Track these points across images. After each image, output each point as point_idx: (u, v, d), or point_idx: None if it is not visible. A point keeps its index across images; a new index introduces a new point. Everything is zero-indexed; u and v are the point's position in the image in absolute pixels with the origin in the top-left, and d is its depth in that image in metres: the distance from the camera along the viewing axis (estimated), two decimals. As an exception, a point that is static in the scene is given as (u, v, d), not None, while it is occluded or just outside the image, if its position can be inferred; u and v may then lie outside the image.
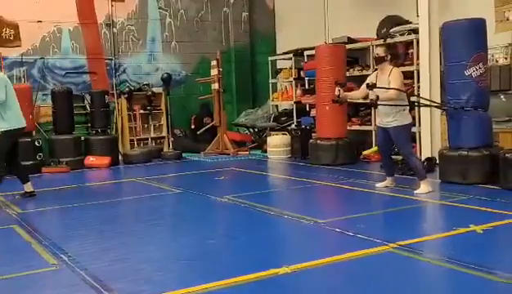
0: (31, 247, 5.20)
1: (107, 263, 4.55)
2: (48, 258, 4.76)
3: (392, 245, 4.66)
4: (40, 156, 10.83)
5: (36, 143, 10.80)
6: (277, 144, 11.72)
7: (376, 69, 7.48)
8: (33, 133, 11.19)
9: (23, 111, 10.81)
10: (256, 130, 13.59)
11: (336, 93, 7.37)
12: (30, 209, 7.11)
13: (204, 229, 5.73)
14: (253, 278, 3.99)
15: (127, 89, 12.83)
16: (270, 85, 13.73)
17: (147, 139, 13.01)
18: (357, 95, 7.71)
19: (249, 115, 13.71)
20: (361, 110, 11.27)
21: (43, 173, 10.56)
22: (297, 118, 12.33)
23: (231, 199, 7.17)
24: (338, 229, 5.34)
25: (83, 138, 11.67)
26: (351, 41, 11.24)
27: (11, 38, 11.65)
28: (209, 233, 5.58)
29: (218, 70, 12.63)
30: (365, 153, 10.49)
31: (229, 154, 12.23)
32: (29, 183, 7.87)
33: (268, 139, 12.07)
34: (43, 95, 12.15)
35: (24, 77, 12.01)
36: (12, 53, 11.84)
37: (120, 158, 11.96)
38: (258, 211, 6.46)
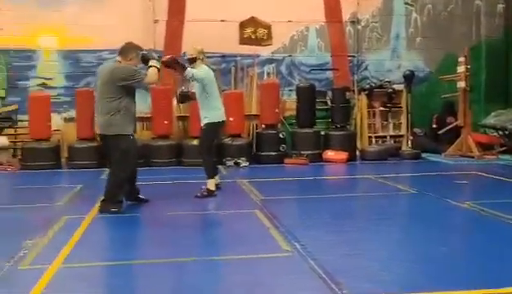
0: (268, 231, 5.56)
1: (336, 256, 4.64)
2: (283, 244, 5.04)
3: None
4: (283, 148, 11.52)
5: (280, 135, 11.52)
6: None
7: None
8: (278, 126, 11.96)
9: (270, 105, 11.72)
10: (507, 132, 12.40)
11: None
12: (271, 196, 7.60)
13: (436, 234, 5.45)
14: None
15: (367, 86, 12.88)
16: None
17: (385, 136, 12.88)
18: None
19: (499, 116, 12.58)
20: None
21: (285, 164, 11.21)
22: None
23: (473, 206, 6.67)
24: None
25: (322, 132, 12.06)
26: None
27: (264, 38, 12.65)
28: (442, 239, 5.29)
29: (466, 67, 11.86)
30: None
31: (473, 157, 11.42)
32: (213, 180, 7.49)
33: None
34: (289, 90, 12.88)
35: (273, 73, 12.90)
36: (264, 51, 12.82)
37: (357, 154, 12.07)
38: (505, 222, 5.87)
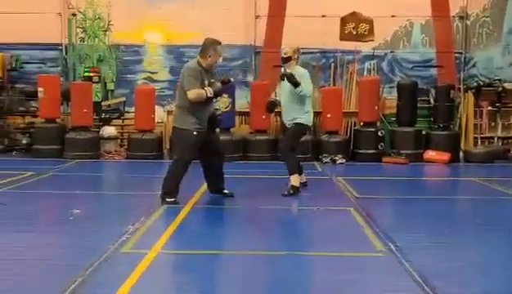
0: (363, 230, 5.47)
1: (432, 259, 4.48)
2: (377, 244, 4.93)
3: None
4: (381, 146, 11.26)
5: (379, 133, 11.27)
6: None
7: None
8: (377, 124, 11.71)
9: (369, 102, 11.48)
10: None
11: None
12: (367, 195, 7.47)
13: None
14: None
15: (475, 84, 12.25)
16: None
17: (493, 138, 12.19)
18: None
19: None
20: None
21: (383, 163, 10.95)
22: None
23: None
24: None
25: (424, 132, 11.65)
26: None
27: (366, 33, 12.42)
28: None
29: None
30: None
31: None
32: (296, 176, 7.26)
33: None
34: (390, 87, 12.56)
35: (374, 70, 12.63)
36: (365, 47, 12.58)
37: (461, 155, 11.54)
38: None
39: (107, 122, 12.29)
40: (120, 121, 12.57)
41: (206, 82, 6.52)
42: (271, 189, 7.58)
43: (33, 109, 12.32)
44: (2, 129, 12.41)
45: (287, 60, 7.14)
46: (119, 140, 12.30)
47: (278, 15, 12.60)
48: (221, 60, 6.73)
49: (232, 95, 11.44)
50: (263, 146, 11.24)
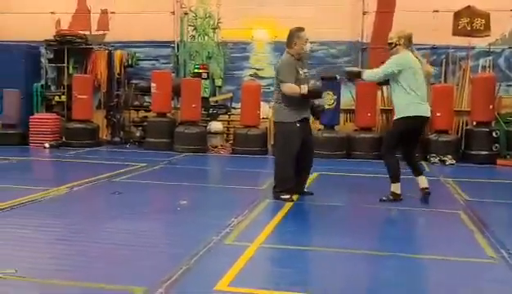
0: (473, 235, 5.21)
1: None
2: (487, 250, 4.68)
3: None
4: (496, 147, 10.63)
5: (493, 133, 10.65)
6: None
7: None
8: (492, 123, 11.06)
9: (483, 101, 10.84)
10: None
11: None
12: (478, 198, 7.09)
13: None
14: None
15: None
16: None
17: None
18: None
19: None
20: None
21: (497, 165, 10.34)
22: None
23: None
24: None
25: (545, 133, 10.84)
26: None
27: (481, 28, 11.77)
28: None
29: None
30: None
31: None
32: (398, 184, 6.58)
33: None
34: (507, 85, 11.82)
35: (489, 66, 11.94)
36: (480, 43, 11.92)
37: None
38: None
39: (214, 117, 12.66)
40: (227, 116, 12.88)
41: (301, 72, 6.56)
42: (375, 189, 7.42)
43: (146, 103, 12.99)
44: (118, 123, 13.20)
45: (391, 46, 6.60)
46: (225, 135, 12.63)
47: (387, 10, 12.29)
48: (308, 45, 6.69)
49: (337, 93, 11.34)
50: (368, 144, 11.03)
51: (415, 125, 6.51)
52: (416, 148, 6.88)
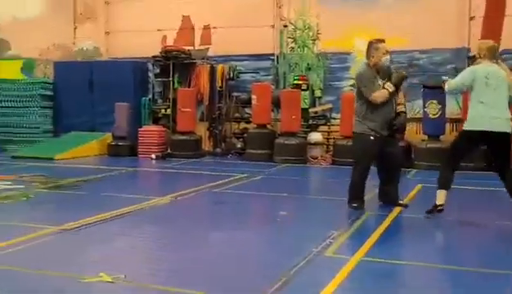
0: None
1: None
2: None
3: None
4: None
5: None
6: None
7: None
8: None
9: None
10: None
11: None
12: None
13: None
14: None
15: None
16: None
17: None
18: None
19: None
20: None
21: None
22: None
23: None
24: None
25: None
26: None
27: None
28: None
29: None
30: None
31: None
32: (442, 192, 6.23)
33: None
34: None
35: None
36: None
37: None
38: None
39: (314, 128, 12.65)
40: (326, 127, 12.82)
41: (380, 82, 6.50)
42: (481, 203, 7.05)
43: (247, 115, 13.26)
44: (220, 134, 13.58)
45: (474, 58, 6.34)
46: (325, 146, 12.57)
47: (495, 15, 11.67)
48: (387, 56, 6.58)
49: (443, 102, 10.92)
50: (475, 155, 10.46)
51: (482, 139, 6.14)
52: (506, 165, 6.25)
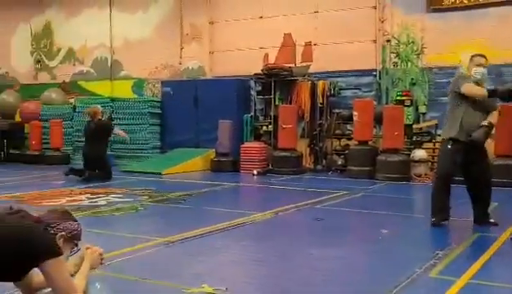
0: None
1: None
2: None
3: None
4: None
5: None
6: None
7: None
8: None
9: None
10: None
11: None
12: None
13: None
14: None
15: None
16: None
17: None
18: None
19: None
20: None
21: None
22: None
23: None
24: None
25: None
26: None
27: None
28: None
29: None
30: None
31: None
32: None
33: None
34: None
35: None
36: None
37: None
38: None
39: (418, 145, 12.25)
40: (431, 144, 12.36)
41: None
42: None
43: (348, 132, 13.12)
44: (321, 151, 13.53)
45: None
46: (429, 164, 12.11)
47: None
48: (480, 69, 6.28)
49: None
50: None
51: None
52: None
